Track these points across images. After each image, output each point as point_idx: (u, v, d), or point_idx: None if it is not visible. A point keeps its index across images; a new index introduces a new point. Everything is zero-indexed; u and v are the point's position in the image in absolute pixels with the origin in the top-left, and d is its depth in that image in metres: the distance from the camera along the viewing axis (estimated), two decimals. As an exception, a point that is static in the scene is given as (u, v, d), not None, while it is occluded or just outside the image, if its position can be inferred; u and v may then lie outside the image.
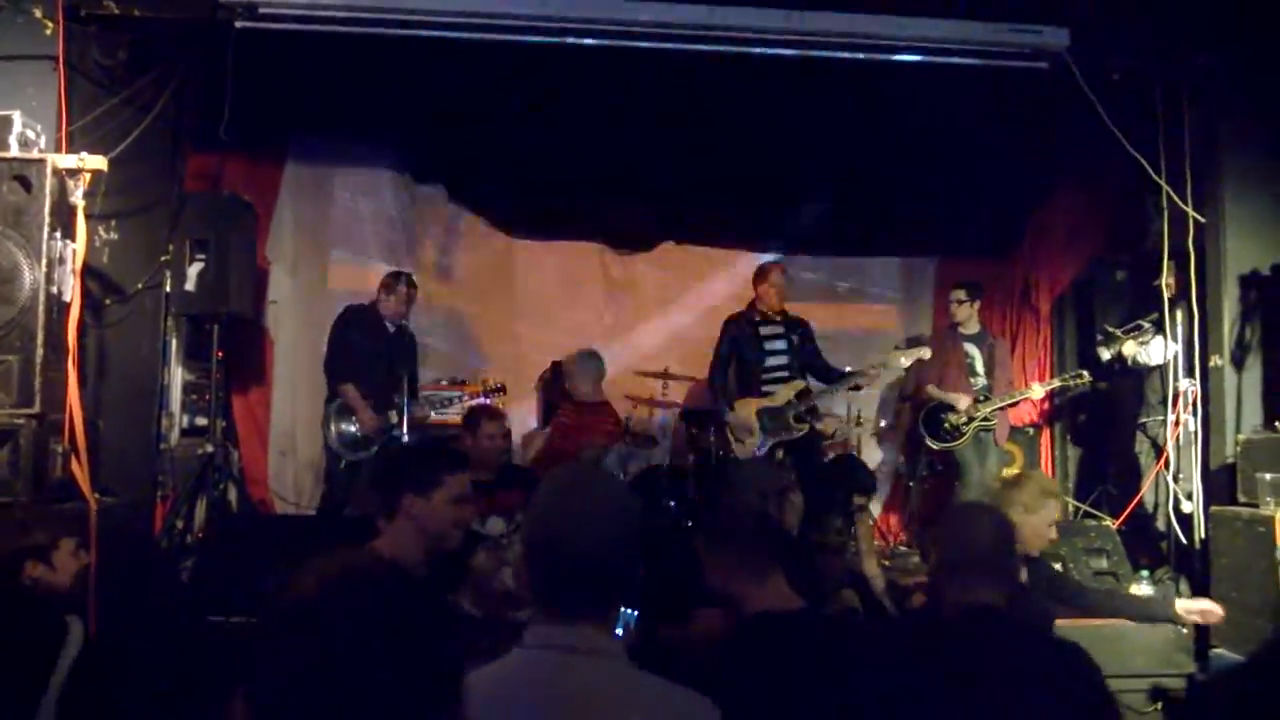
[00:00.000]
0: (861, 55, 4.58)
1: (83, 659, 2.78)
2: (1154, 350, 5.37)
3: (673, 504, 6.36)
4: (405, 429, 5.08)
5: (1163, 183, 4.80)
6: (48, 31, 3.85)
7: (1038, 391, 6.09)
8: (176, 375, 5.63)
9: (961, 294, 6.06)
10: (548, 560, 1.47)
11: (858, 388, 5.93)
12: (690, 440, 6.54)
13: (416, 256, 6.83)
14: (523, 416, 6.89)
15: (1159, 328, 5.24)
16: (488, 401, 5.63)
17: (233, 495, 5.61)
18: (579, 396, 6.14)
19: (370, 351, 5.51)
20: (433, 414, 5.76)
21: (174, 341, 5.55)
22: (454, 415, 5.77)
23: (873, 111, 5.70)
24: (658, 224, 7.21)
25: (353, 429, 5.44)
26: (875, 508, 6.64)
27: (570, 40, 4.57)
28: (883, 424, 6.65)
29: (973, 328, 6.06)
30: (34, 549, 2.86)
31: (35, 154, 3.52)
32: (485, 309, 7.10)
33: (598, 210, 7.07)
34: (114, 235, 4.59)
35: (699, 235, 7.30)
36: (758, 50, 4.63)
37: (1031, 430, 6.70)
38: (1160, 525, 5.03)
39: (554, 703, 1.40)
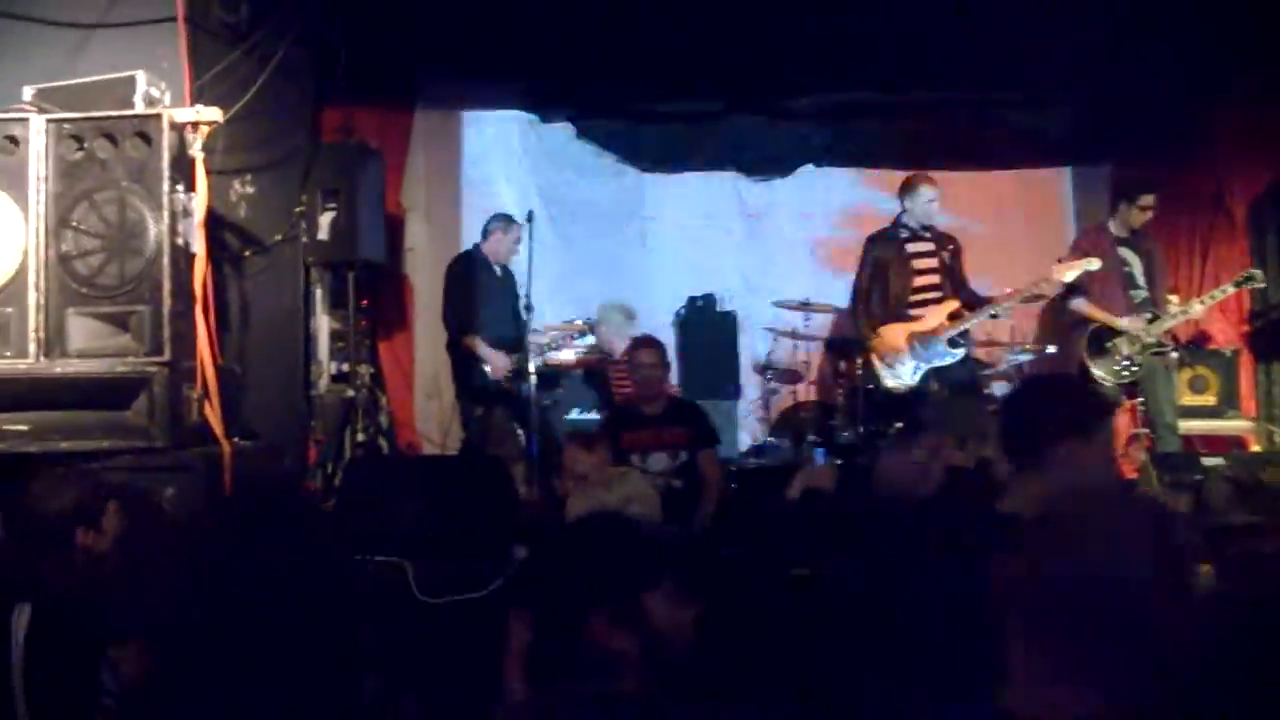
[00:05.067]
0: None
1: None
2: None
3: (818, 441, 6.10)
4: (532, 369, 5.05)
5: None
6: (171, -8, 3.96)
7: (1197, 309, 5.22)
8: (323, 323, 5.79)
9: (1151, 199, 5.17)
10: None
11: (996, 316, 5.33)
12: (836, 374, 6.22)
13: (546, 196, 6.77)
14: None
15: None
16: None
17: (382, 439, 5.80)
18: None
19: (485, 296, 5.50)
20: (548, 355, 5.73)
21: (319, 291, 5.74)
22: (565, 355, 5.82)
23: (1022, 14, 5.23)
24: (795, 147, 6.85)
25: (480, 376, 5.47)
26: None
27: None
28: (1049, 350, 6.05)
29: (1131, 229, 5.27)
30: (82, 513, 2.43)
31: (151, 109, 3.63)
32: (617, 245, 6.98)
33: (730, 137, 6.80)
34: (250, 189, 4.75)
35: (841, 156, 6.87)
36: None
37: (1229, 352, 5.95)
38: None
39: None
